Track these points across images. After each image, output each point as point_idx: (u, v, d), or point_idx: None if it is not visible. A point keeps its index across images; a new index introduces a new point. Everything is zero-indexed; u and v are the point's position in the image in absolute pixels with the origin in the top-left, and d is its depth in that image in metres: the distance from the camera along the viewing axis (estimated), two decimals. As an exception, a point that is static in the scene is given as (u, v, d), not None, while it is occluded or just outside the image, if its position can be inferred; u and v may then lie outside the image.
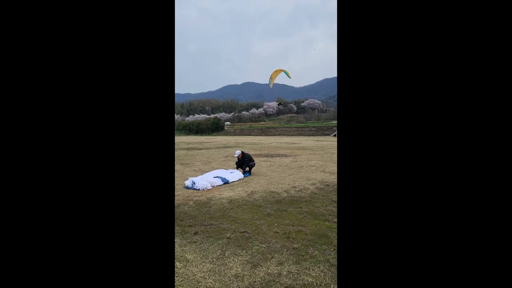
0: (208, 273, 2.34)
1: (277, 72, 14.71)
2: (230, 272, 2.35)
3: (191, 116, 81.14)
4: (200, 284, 2.19)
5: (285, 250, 2.74)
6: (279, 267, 2.41)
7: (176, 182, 6.42)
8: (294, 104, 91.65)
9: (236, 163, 7.47)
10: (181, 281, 2.23)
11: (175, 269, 2.42)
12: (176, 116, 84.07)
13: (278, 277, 2.25)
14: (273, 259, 2.56)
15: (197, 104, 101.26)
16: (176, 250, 2.81)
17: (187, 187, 5.75)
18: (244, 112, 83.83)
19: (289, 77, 15.39)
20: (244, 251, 2.75)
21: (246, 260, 2.56)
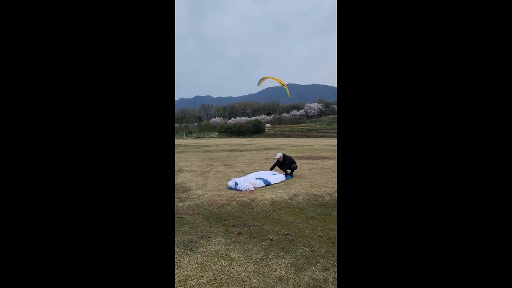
0: (252, 273, 2.36)
1: (272, 78, 14.12)
2: (274, 274, 2.35)
3: (232, 118, 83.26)
4: (245, 283, 2.21)
5: (330, 255, 2.65)
6: (324, 273, 2.34)
7: (219, 183, 6.62)
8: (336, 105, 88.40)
9: (274, 165, 7.44)
10: (227, 279, 2.28)
11: (221, 266, 2.49)
12: (219, 119, 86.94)
13: (324, 283, 2.18)
14: (318, 264, 2.49)
15: (238, 107, 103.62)
16: (220, 248, 2.89)
17: (230, 188, 5.89)
18: (284, 114, 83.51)
19: (288, 95, 14.85)
20: (287, 254, 2.72)
21: (290, 263, 2.53)
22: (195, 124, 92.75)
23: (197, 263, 2.58)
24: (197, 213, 4.18)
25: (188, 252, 2.83)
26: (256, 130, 60.02)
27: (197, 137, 62.64)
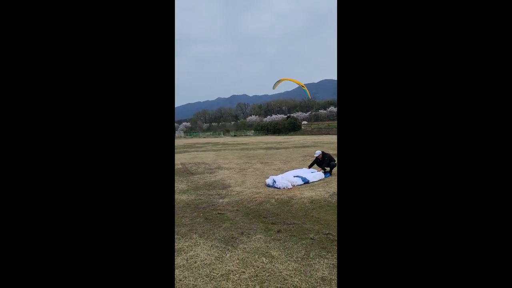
0: (294, 272, 2.33)
1: (289, 80, 13.11)
2: (316, 274, 2.29)
3: (268, 116, 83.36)
4: (287, 282, 2.19)
5: (376, 257, 2.51)
6: (370, 276, 2.22)
7: (257, 180, 6.67)
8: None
9: (312, 163, 7.27)
10: (268, 276, 2.29)
11: (262, 263, 2.50)
12: (255, 117, 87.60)
13: (370, 286, 2.07)
14: (363, 266, 2.37)
15: (274, 105, 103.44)
16: (261, 245, 2.91)
17: (267, 185, 5.90)
18: (321, 111, 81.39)
19: (309, 96, 13.87)
20: (329, 254, 2.64)
21: (333, 263, 2.45)
22: (232, 122, 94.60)
23: (238, 259, 2.62)
24: (237, 210, 4.25)
25: (229, 247, 2.89)
26: (292, 127, 59.40)
27: (234, 135, 63.85)
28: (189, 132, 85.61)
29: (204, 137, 56.94)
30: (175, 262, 2.59)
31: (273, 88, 13.94)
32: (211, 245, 2.96)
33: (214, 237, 3.19)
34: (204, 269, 2.44)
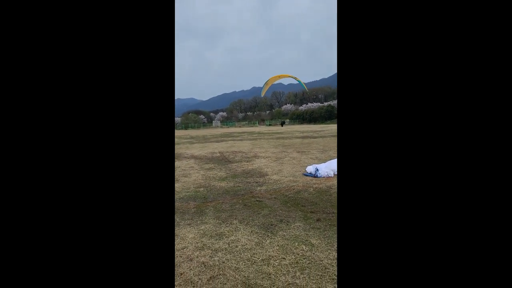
0: (335, 261, 2.30)
1: (276, 78, 11.59)
2: (359, 264, 2.24)
3: (304, 105, 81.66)
4: (328, 270, 2.18)
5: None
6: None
7: (294, 169, 6.63)
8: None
9: None
10: (308, 263, 2.29)
11: (301, 251, 2.50)
12: (290, 106, 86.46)
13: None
14: (410, 259, 2.26)
15: (310, 93, 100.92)
16: (300, 233, 2.91)
17: (305, 175, 5.84)
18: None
19: (306, 90, 12.47)
20: (373, 245, 2.55)
21: (376, 255, 2.37)
22: (267, 112, 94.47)
23: (278, 245, 2.66)
24: (275, 198, 4.28)
25: (269, 234, 2.94)
26: (329, 116, 57.59)
27: (269, 125, 63.83)
28: (225, 121, 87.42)
29: (240, 127, 57.76)
30: (217, 246, 2.70)
31: (262, 94, 13.09)
32: (251, 231, 3.03)
33: (253, 223, 3.26)
34: (245, 253, 2.52)
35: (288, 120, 66.10)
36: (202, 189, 5.11)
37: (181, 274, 2.23)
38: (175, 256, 2.53)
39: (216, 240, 2.85)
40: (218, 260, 2.42)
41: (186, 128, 72.16)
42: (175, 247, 2.73)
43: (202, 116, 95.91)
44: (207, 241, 2.82)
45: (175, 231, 3.12)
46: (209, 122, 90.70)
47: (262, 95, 12.53)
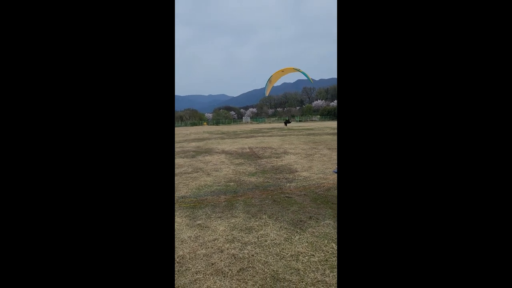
0: (367, 261, 2.24)
1: (282, 73, 10.52)
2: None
3: (335, 100, 79.35)
4: (359, 270, 2.13)
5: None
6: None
7: (324, 166, 6.51)
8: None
9: None
10: (338, 262, 2.25)
11: (331, 249, 2.47)
12: (321, 102, 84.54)
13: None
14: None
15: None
16: (330, 231, 2.87)
17: (336, 172, 5.71)
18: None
19: (311, 81, 11.25)
20: (408, 247, 2.44)
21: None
22: (297, 107, 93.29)
23: (307, 242, 2.65)
24: (304, 194, 4.25)
25: (298, 230, 2.93)
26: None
27: (299, 121, 63.01)
28: (255, 117, 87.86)
29: (270, 123, 57.72)
30: (247, 239, 2.76)
31: (266, 94, 12.29)
32: (280, 227, 3.05)
33: (282, 219, 3.28)
34: (274, 248, 2.55)
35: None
36: (232, 183, 5.22)
37: (212, 264, 2.32)
38: (207, 247, 2.63)
39: (245, 233, 2.91)
40: (247, 253, 2.47)
41: (217, 124, 73.78)
42: (206, 238, 2.84)
43: (232, 112, 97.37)
44: (237, 234, 2.90)
45: (207, 223, 3.24)
46: (239, 118, 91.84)
47: (267, 94, 11.88)
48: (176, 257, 2.47)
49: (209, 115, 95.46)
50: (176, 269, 2.26)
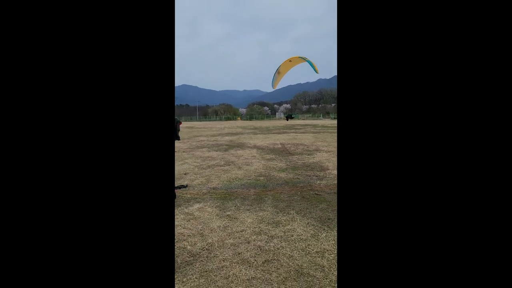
0: (396, 264, 2.17)
1: (290, 64, 9.43)
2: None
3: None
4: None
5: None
6: None
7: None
8: None
9: None
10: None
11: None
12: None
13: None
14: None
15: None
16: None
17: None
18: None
19: (316, 71, 9.89)
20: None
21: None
22: (333, 104, 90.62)
23: (334, 240, 2.62)
24: (334, 193, 4.18)
25: (325, 228, 2.91)
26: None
27: (334, 118, 61.18)
28: (288, 114, 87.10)
29: (303, 119, 56.89)
30: (274, 233, 2.81)
31: (274, 87, 11.36)
32: (307, 223, 3.05)
33: (310, 215, 3.27)
34: (300, 243, 2.57)
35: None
36: (262, 178, 5.30)
37: (239, 253, 2.41)
38: (234, 237, 2.73)
39: (272, 227, 2.96)
40: (273, 246, 2.53)
41: (250, 119, 74.48)
42: (235, 228, 2.94)
43: (266, 108, 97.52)
44: (264, 227, 2.96)
45: (236, 214, 3.35)
46: (272, 113, 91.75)
47: (274, 87, 11.16)
48: (205, 244, 2.60)
49: (243, 110, 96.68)
50: (205, 255, 2.39)
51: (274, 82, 11.09)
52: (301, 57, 10.16)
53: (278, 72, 10.83)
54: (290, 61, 10.39)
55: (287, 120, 34.04)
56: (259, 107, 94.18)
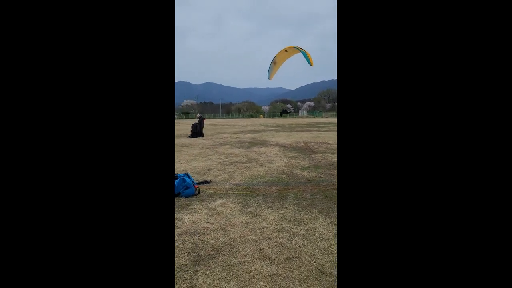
0: (423, 268, 2.09)
1: (286, 54, 8.63)
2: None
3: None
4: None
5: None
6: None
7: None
8: None
9: None
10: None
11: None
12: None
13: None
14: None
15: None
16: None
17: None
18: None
19: (311, 64, 8.90)
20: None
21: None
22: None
23: (358, 240, 2.57)
24: (359, 193, 4.08)
25: (349, 228, 2.86)
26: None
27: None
28: (311, 111, 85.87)
29: (327, 117, 55.79)
30: (295, 230, 2.80)
31: (270, 78, 10.55)
32: (330, 222, 3.01)
33: (333, 214, 3.22)
34: (322, 243, 2.54)
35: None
36: (284, 176, 5.28)
37: (261, 250, 2.43)
38: (256, 233, 2.76)
39: (294, 225, 2.96)
40: (295, 244, 2.52)
41: (273, 116, 74.28)
42: (256, 225, 2.97)
43: (289, 105, 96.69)
44: (286, 225, 2.96)
45: (258, 211, 3.38)
46: (295, 111, 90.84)
47: (270, 78, 10.45)
48: (228, 239, 2.66)
49: (265, 108, 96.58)
50: (227, 250, 2.44)
51: (270, 72, 10.58)
52: (296, 47, 9.69)
53: (274, 63, 10.39)
54: (286, 51, 9.98)
55: (281, 115, 32.33)
56: (282, 105, 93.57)
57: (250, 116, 77.53)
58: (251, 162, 6.79)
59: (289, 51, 9.91)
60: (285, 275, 2.06)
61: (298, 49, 9.63)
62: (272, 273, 2.08)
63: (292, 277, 2.03)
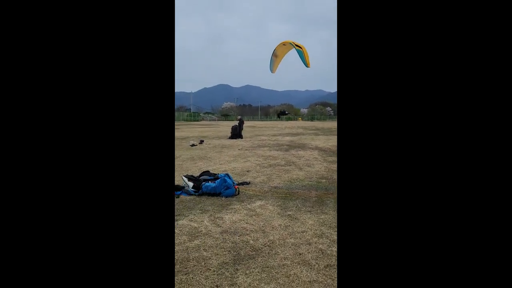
0: None
1: (284, 47, 7.44)
2: None
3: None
4: None
5: None
6: None
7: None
8: None
9: None
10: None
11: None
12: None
13: None
14: None
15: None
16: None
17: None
18: None
19: (307, 65, 7.53)
20: None
21: None
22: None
23: (405, 253, 2.41)
24: (406, 202, 3.83)
25: (395, 239, 2.70)
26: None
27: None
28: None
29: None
30: (335, 237, 2.72)
31: (273, 71, 9.59)
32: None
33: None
34: (365, 252, 2.43)
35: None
36: (324, 180, 5.16)
37: (300, 254, 2.41)
38: (295, 237, 2.74)
39: (335, 231, 2.87)
40: (336, 251, 2.45)
41: (312, 119, 72.94)
42: (296, 229, 2.94)
43: (328, 108, 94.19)
44: (326, 231, 2.89)
45: (297, 215, 3.35)
46: (335, 114, 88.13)
47: (274, 71, 9.72)
48: (267, 240, 2.67)
49: (304, 110, 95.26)
50: (266, 251, 2.46)
51: (272, 65, 10.10)
52: (292, 43, 9.05)
53: (275, 55, 9.93)
54: (284, 44, 9.49)
55: (279, 117, 30.68)
56: (321, 108, 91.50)
57: (289, 119, 77.04)
58: (290, 165, 6.75)
59: (286, 45, 9.57)
60: (325, 282, 2.02)
61: (293, 45, 9.16)
62: (312, 279, 2.05)
63: (333, 286, 1.98)
